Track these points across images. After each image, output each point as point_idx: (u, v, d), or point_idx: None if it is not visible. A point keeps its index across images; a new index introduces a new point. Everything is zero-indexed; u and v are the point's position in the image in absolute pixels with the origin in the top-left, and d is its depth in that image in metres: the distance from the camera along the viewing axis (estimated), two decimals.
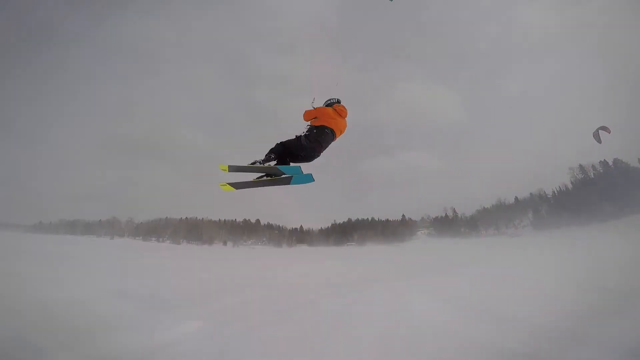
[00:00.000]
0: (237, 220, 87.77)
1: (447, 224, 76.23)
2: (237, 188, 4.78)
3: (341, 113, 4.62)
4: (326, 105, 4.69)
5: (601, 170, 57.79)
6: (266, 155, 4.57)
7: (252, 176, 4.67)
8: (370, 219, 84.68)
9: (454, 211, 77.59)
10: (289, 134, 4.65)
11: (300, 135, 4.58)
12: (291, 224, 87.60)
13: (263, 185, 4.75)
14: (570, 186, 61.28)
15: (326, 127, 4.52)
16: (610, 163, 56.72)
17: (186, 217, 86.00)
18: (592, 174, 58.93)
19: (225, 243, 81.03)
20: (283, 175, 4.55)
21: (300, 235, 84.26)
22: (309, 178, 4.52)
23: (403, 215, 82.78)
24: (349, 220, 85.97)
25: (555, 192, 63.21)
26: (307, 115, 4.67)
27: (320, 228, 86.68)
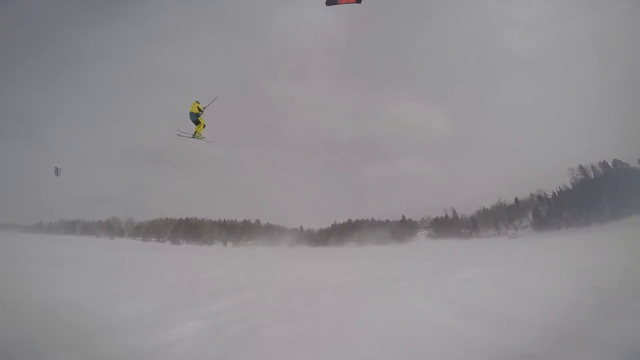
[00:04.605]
0: (237, 220, 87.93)
1: (447, 224, 76.28)
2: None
3: None
4: None
5: (601, 171, 57.82)
6: None
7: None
8: (370, 219, 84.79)
9: (454, 212, 77.68)
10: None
11: None
12: (291, 224, 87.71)
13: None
14: (570, 187, 61.32)
15: None
16: (610, 164, 56.78)
17: (186, 218, 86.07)
18: (592, 174, 58.97)
19: (225, 243, 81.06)
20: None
21: (300, 235, 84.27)
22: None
23: (403, 216, 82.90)
24: (349, 220, 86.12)
25: (555, 192, 63.27)
26: None
27: (320, 228, 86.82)
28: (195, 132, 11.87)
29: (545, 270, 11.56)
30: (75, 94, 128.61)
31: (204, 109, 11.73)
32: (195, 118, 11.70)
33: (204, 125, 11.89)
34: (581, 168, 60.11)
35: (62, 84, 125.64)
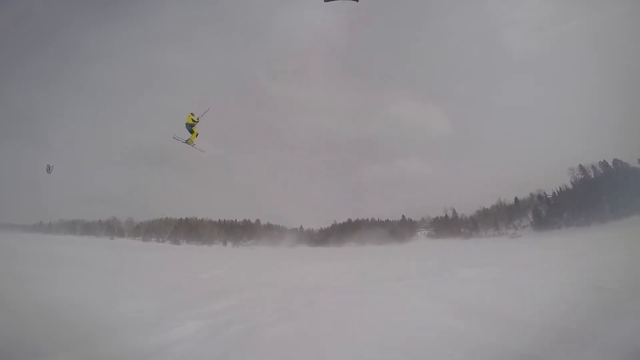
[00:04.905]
0: (237, 220, 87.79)
1: (447, 224, 76.22)
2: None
3: None
4: None
5: (601, 171, 57.77)
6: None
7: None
8: (370, 219, 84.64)
9: (454, 211, 77.60)
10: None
11: None
12: (291, 224, 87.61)
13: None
14: (570, 187, 61.26)
15: None
16: (610, 163, 56.72)
17: (186, 217, 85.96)
18: (592, 174, 58.94)
19: (225, 243, 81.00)
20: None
21: (300, 235, 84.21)
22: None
23: (403, 216, 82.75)
24: (349, 220, 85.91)
25: (555, 192, 63.19)
26: None
27: (320, 228, 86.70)
28: (189, 139, 13.28)
29: (545, 270, 11.56)
30: (75, 94, 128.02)
31: (198, 119, 12.89)
32: (190, 128, 13.00)
33: (197, 135, 13.19)
34: (581, 168, 60.06)
35: (62, 84, 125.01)
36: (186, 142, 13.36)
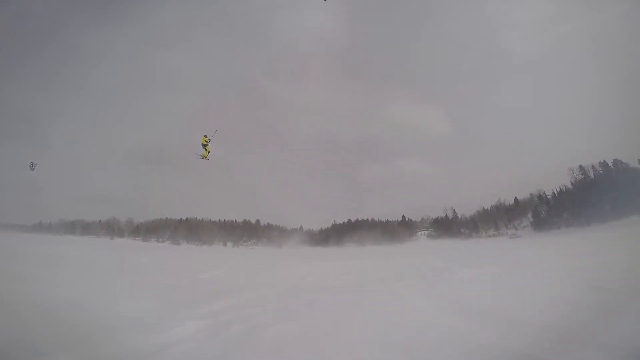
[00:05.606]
0: (237, 220, 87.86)
1: (447, 224, 76.25)
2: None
3: None
4: None
5: (601, 171, 57.78)
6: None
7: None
8: (370, 219, 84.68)
9: (454, 212, 77.64)
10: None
11: None
12: (291, 224, 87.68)
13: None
14: (570, 187, 61.27)
15: None
16: (610, 164, 56.73)
17: (186, 218, 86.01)
18: (592, 174, 58.96)
19: (225, 243, 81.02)
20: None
21: (300, 236, 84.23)
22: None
23: (403, 216, 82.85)
24: (349, 220, 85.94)
25: (555, 192, 63.19)
26: None
27: (320, 228, 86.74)
28: (203, 155, 16.91)
29: (545, 270, 11.55)
30: (75, 94, 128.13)
31: (209, 140, 16.45)
32: (204, 147, 16.57)
33: (209, 152, 16.90)
34: (581, 168, 60.09)
35: (62, 84, 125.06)
36: (201, 157, 16.91)
